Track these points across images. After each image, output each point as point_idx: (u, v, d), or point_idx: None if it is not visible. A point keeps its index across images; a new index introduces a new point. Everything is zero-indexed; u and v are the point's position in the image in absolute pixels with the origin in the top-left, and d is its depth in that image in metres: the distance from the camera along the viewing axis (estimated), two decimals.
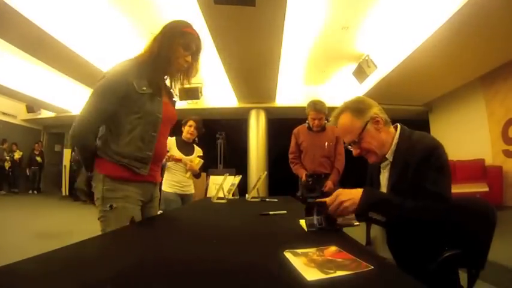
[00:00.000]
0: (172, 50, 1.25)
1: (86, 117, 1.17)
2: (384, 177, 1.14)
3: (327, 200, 0.98)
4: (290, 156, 2.90)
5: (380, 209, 0.94)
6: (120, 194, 1.20)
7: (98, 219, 1.21)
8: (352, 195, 0.95)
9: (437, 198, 0.93)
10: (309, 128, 2.81)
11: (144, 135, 1.23)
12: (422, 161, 0.96)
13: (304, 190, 2.73)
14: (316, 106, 2.69)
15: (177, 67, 1.29)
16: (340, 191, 0.98)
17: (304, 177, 2.71)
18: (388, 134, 1.10)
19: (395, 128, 1.13)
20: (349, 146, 1.13)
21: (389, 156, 1.09)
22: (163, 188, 2.73)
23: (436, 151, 0.98)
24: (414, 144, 1.02)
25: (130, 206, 1.23)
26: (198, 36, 1.31)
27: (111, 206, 1.18)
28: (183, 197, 2.79)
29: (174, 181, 2.73)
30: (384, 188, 1.12)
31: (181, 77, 1.36)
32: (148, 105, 1.22)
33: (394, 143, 1.09)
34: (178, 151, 2.71)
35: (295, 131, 2.92)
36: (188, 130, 2.76)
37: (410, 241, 1.04)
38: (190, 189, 2.87)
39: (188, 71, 1.34)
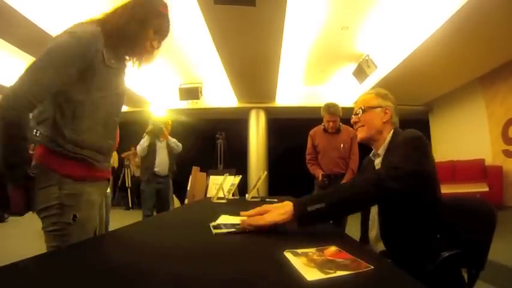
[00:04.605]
0: (143, 29, 1.02)
1: (29, 91, 0.82)
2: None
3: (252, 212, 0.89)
4: (307, 157, 3.01)
5: (316, 200, 0.85)
6: (83, 199, 0.96)
7: (49, 232, 0.92)
8: (284, 205, 0.87)
9: (414, 174, 0.90)
10: (325, 130, 2.92)
11: (108, 119, 1.01)
12: (403, 144, 1.03)
13: (320, 189, 2.82)
14: (330, 109, 2.81)
15: (141, 50, 1.07)
16: (268, 205, 0.88)
17: (320, 177, 2.81)
18: (387, 132, 1.20)
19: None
20: (354, 115, 1.25)
21: (382, 151, 1.18)
22: None
23: (418, 137, 1.04)
24: (400, 137, 1.11)
25: (94, 214, 1.02)
26: (170, 21, 1.13)
27: (74, 217, 0.93)
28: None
29: None
30: None
31: (136, 61, 1.11)
32: (114, 82, 1.02)
33: (387, 141, 1.18)
34: None
35: (311, 132, 3.03)
36: None
37: (406, 239, 1.04)
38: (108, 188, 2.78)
39: (148, 57, 1.11)
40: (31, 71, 0.84)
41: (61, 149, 0.91)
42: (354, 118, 1.25)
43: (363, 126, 1.21)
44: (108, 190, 2.85)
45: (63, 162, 0.92)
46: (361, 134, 1.23)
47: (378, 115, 1.20)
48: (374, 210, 1.19)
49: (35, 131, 0.94)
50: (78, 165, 0.94)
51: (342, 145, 2.86)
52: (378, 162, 1.20)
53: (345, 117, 2.98)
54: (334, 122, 2.85)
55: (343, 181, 2.77)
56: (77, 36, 0.90)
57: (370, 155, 1.28)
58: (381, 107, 1.21)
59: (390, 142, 1.16)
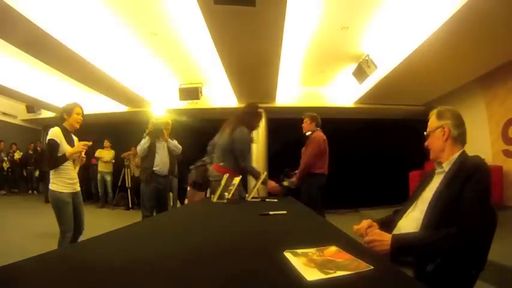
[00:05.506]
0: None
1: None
2: (434, 182, 1.27)
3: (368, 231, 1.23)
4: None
5: (408, 254, 1.08)
6: None
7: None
8: (383, 237, 1.12)
9: (471, 218, 1.01)
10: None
11: None
12: (470, 175, 1.10)
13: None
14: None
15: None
16: (377, 231, 1.19)
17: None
18: (451, 148, 1.27)
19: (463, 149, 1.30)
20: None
21: (446, 166, 1.25)
22: (55, 188, 2.40)
23: (483, 168, 1.13)
24: (466, 160, 1.21)
25: None
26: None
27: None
28: (74, 196, 2.50)
29: (67, 178, 2.43)
30: (429, 191, 1.25)
31: None
32: None
33: (453, 157, 1.25)
34: (68, 145, 2.43)
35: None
36: (76, 118, 2.51)
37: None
38: (78, 186, 2.60)
39: None
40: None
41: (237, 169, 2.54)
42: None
43: (430, 148, 1.33)
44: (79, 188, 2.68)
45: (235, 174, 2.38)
46: (431, 156, 1.34)
47: (438, 136, 1.29)
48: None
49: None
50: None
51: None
52: (439, 172, 1.28)
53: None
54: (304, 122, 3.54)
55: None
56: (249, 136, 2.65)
57: (435, 164, 1.35)
58: (438, 127, 1.29)
59: (456, 160, 1.22)
